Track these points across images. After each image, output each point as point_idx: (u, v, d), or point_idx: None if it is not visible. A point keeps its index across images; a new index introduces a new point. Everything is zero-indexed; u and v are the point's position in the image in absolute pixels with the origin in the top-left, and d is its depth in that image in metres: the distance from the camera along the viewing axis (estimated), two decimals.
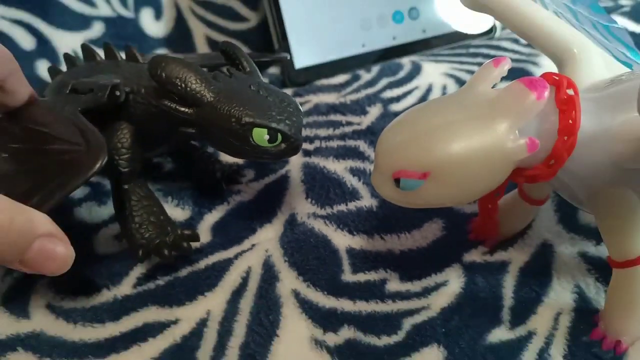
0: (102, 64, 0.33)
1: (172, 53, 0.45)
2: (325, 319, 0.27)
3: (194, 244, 0.30)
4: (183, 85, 0.27)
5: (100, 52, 0.34)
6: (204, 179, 0.35)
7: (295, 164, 0.36)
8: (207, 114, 0.27)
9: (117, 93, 0.29)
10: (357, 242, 0.31)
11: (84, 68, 0.34)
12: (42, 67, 0.43)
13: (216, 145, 0.30)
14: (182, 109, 0.28)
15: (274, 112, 0.27)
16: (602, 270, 0.28)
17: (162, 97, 0.28)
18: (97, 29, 0.46)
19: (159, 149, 0.33)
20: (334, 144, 0.38)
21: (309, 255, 0.30)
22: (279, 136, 0.27)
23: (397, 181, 0.21)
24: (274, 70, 0.49)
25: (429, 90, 0.43)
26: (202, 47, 0.50)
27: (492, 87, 0.22)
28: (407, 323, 0.26)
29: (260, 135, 0.27)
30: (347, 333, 0.26)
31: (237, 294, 0.28)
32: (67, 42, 0.44)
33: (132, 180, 0.29)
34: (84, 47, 0.35)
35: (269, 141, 0.27)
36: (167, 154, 0.37)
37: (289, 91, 0.45)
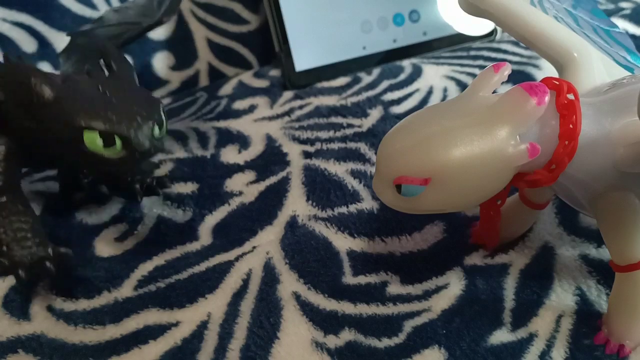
0: None
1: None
2: (326, 322, 0.27)
3: (194, 247, 0.29)
4: (24, 80, 0.26)
5: None
6: (118, 188, 0.34)
7: (296, 166, 0.36)
8: (44, 115, 0.26)
9: None
10: (358, 244, 0.31)
11: None
12: (44, 70, 0.43)
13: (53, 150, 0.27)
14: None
15: (114, 115, 0.25)
16: (603, 272, 0.28)
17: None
18: None
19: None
20: (335, 146, 0.38)
21: (309, 257, 0.30)
22: (117, 140, 0.24)
23: (398, 187, 0.21)
24: (275, 72, 0.49)
25: (429, 92, 0.43)
26: (203, 50, 0.50)
27: (493, 93, 0.22)
28: (408, 325, 0.26)
29: (93, 140, 0.24)
30: (347, 335, 0.26)
31: (238, 296, 0.28)
32: None
33: (4, 195, 0.28)
34: None
35: (104, 146, 0.25)
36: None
37: (290, 93, 0.45)
